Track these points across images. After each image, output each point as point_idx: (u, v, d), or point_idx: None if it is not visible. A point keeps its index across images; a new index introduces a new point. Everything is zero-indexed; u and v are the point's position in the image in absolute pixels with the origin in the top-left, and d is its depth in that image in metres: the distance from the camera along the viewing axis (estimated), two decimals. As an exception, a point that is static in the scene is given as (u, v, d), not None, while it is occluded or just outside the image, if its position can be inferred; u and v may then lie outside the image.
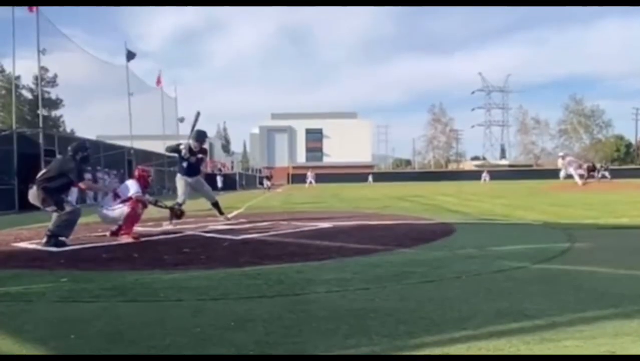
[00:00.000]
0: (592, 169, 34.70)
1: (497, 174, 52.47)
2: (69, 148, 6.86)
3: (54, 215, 6.56)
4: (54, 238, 6.38)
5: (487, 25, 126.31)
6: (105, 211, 7.24)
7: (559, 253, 5.13)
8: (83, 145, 7.01)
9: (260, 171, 61.41)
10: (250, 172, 62.02)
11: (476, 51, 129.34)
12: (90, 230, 8.33)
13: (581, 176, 24.71)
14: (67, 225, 6.56)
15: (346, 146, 75.79)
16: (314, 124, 78.60)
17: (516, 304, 3.20)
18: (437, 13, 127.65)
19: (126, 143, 27.40)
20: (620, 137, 78.53)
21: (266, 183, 39.31)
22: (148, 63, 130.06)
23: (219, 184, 38.00)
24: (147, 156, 30.41)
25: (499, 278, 4.06)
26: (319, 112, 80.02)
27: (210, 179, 38.39)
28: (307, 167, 53.68)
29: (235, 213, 11.92)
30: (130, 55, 26.79)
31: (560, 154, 31.47)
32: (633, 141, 76.79)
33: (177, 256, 5.43)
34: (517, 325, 2.79)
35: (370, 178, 57.13)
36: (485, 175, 53.06)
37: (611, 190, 19.29)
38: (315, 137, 79.88)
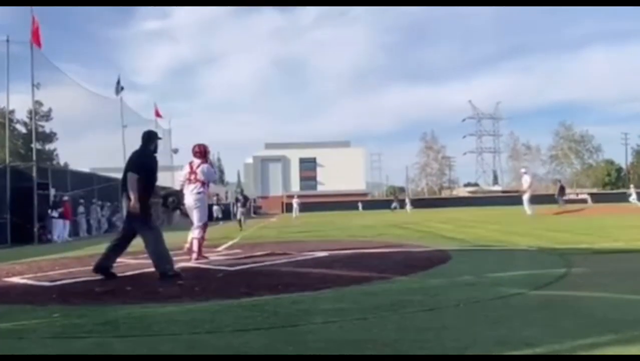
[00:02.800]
0: (562, 191, 33.57)
1: (490, 200, 52.34)
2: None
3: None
4: (166, 278, 5.86)
5: (477, 54, 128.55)
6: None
7: (556, 278, 5.10)
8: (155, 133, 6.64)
9: (255, 200, 61.28)
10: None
11: (466, 79, 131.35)
12: (82, 264, 8.23)
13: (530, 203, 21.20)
14: (160, 257, 6.05)
15: (340, 175, 75.96)
16: (307, 153, 78.94)
17: (516, 332, 3.16)
18: (428, 43, 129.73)
19: (120, 175, 27.36)
20: (611, 162, 79.26)
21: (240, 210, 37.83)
22: (143, 96, 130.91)
23: (216, 214, 37.83)
24: (140, 188, 30.36)
25: (497, 305, 4.03)
26: (312, 141, 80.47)
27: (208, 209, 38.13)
28: (302, 197, 53.48)
29: (230, 243, 11.84)
30: (119, 89, 26.97)
31: (522, 170, 27.50)
32: (623, 166, 77.45)
33: (171, 289, 5.36)
34: (518, 353, 2.75)
35: (360, 206, 56.88)
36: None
37: (605, 214, 19.35)
38: (309, 166, 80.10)
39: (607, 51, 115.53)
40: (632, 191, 35.30)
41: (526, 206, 20.88)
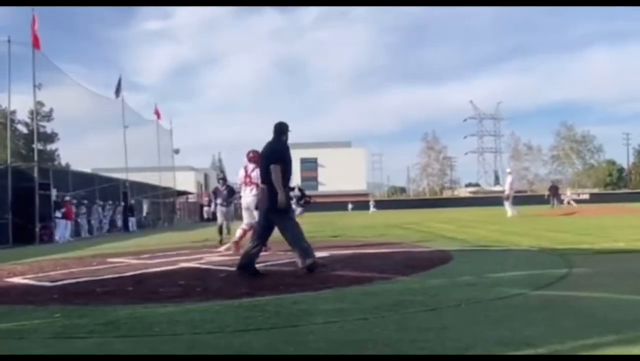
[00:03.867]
0: (555, 191, 33.00)
1: (492, 201, 52.11)
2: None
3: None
4: (309, 268, 6.01)
5: (478, 55, 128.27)
6: None
7: (557, 278, 5.10)
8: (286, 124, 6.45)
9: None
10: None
11: (467, 80, 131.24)
12: (83, 264, 8.24)
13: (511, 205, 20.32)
14: (302, 248, 6.12)
15: (341, 175, 75.92)
16: (308, 153, 78.91)
17: (517, 332, 3.15)
18: (428, 43, 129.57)
19: (121, 175, 27.39)
20: (612, 162, 79.15)
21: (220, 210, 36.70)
22: (144, 96, 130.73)
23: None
24: (142, 188, 30.40)
25: (498, 305, 4.02)
26: (313, 142, 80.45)
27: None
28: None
29: (230, 244, 11.83)
30: (118, 90, 26.99)
31: (508, 170, 25.68)
32: (625, 166, 77.36)
33: (172, 289, 5.36)
34: (519, 353, 2.75)
35: (349, 206, 55.98)
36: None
37: (605, 214, 19.33)
38: (310, 166, 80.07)
39: (608, 51, 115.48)
40: None
41: (507, 207, 20.41)
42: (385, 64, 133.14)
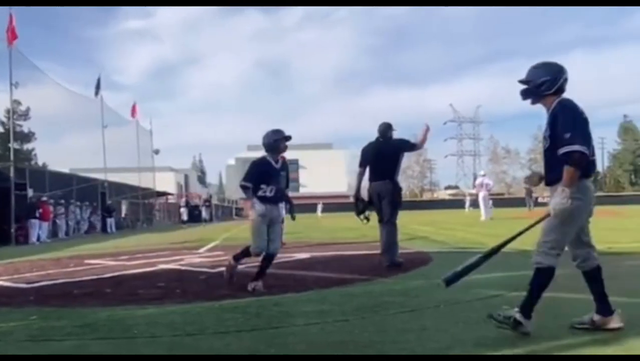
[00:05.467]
0: (530, 193, 34.23)
1: (471, 203, 52.48)
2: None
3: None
4: (394, 265, 6.33)
5: (461, 58, 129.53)
6: None
7: (534, 280, 5.17)
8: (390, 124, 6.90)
9: (236, 202, 61.01)
10: (226, 203, 61.58)
11: (449, 83, 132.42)
12: (60, 265, 8.12)
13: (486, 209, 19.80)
14: (390, 248, 6.57)
15: (322, 177, 75.99)
16: (290, 155, 77.20)
17: (495, 332, 3.20)
18: (411, 47, 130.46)
19: (100, 176, 27.01)
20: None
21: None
22: (125, 96, 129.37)
23: (204, 215, 37.75)
24: (121, 189, 30.04)
25: (476, 306, 4.08)
26: (295, 143, 79.97)
27: (195, 210, 37.99)
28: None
29: (211, 244, 11.78)
30: (98, 89, 26.60)
31: (482, 172, 24.29)
32: (600, 169, 78.92)
33: (152, 291, 5.32)
34: (497, 354, 2.79)
35: (319, 208, 51.64)
36: (468, 202, 45.00)
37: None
38: (291, 168, 79.60)
39: (586, 57, 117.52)
40: None
41: (482, 212, 20.16)
42: (368, 66, 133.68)
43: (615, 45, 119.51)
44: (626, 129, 77.03)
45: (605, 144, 77.68)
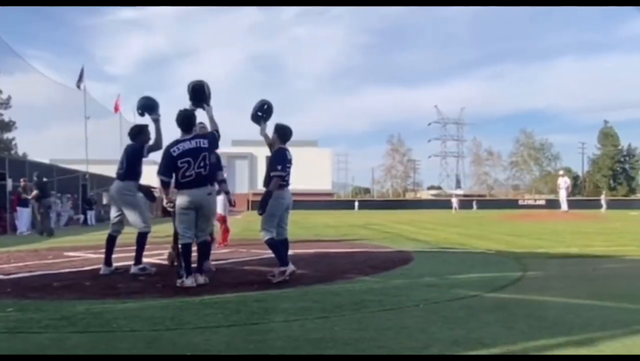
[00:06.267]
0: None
1: (447, 204, 52.79)
2: None
3: None
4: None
5: (451, 60, 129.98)
6: None
7: (511, 281, 5.26)
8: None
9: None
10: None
11: (438, 84, 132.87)
12: (39, 257, 8.01)
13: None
14: None
15: (306, 174, 75.91)
16: (274, 151, 78.62)
17: (472, 332, 3.25)
18: (405, 47, 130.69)
19: (81, 167, 26.68)
20: (568, 170, 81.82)
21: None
22: (114, 87, 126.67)
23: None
24: (103, 181, 29.69)
25: (455, 306, 4.13)
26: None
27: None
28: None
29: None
30: (80, 80, 26.17)
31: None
32: (580, 174, 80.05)
33: (132, 284, 5.28)
34: (473, 353, 2.84)
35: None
36: (455, 203, 46.34)
37: (563, 220, 19.99)
38: (275, 164, 79.76)
39: (574, 64, 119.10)
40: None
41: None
42: (360, 65, 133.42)
43: (602, 53, 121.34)
44: (606, 134, 78.31)
45: (585, 148, 78.97)
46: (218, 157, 6.17)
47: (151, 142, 6.35)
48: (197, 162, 5.18)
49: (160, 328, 3.45)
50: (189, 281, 5.03)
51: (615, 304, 4.19)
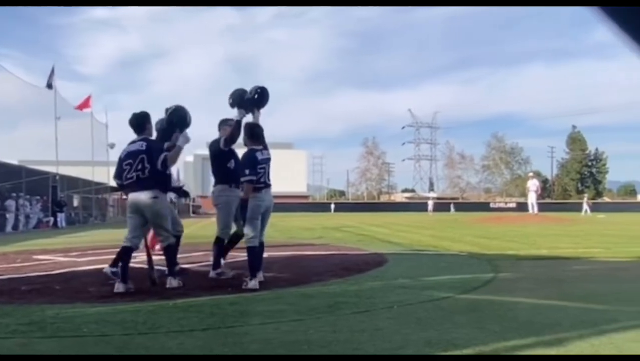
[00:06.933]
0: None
1: (426, 206, 53.46)
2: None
3: None
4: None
5: (425, 65, 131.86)
6: None
7: (483, 283, 5.34)
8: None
9: (193, 199, 60.08)
10: (183, 201, 60.58)
11: (410, 89, 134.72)
12: (7, 260, 7.81)
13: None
14: None
15: (282, 176, 75.73)
16: (249, 153, 78.21)
17: (445, 333, 3.30)
18: (380, 51, 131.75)
19: (51, 169, 26.09)
20: (538, 174, 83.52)
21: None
22: (86, 87, 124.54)
23: None
24: (73, 182, 29.11)
25: (428, 307, 4.18)
26: (255, 141, 79.74)
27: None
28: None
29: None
30: (51, 82, 25.58)
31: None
32: (549, 177, 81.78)
33: (103, 288, 5.19)
34: (446, 354, 2.88)
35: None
36: (430, 206, 46.98)
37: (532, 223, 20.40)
38: (250, 166, 79.35)
39: (544, 70, 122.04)
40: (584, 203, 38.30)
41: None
42: (336, 68, 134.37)
43: (570, 59, 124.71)
44: (574, 139, 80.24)
45: (555, 152, 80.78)
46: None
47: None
48: (135, 165, 5.09)
49: (132, 333, 3.40)
50: (121, 287, 4.95)
51: (583, 305, 4.30)
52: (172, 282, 5.13)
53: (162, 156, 5.15)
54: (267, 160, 5.48)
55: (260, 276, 5.31)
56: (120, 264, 5.08)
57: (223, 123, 6.07)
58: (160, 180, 5.19)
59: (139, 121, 5.34)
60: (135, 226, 5.18)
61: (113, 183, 6.40)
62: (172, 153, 5.35)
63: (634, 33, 0.49)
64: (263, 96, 5.79)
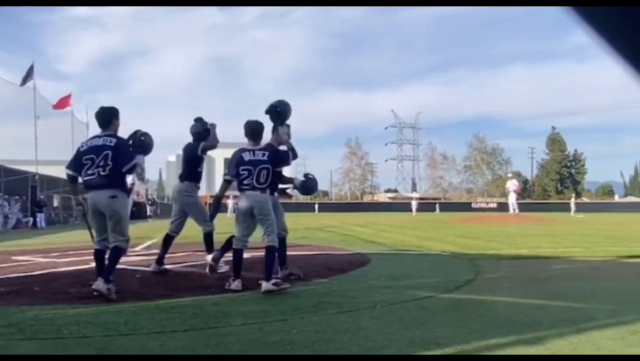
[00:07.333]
0: None
1: (409, 206, 53.69)
2: None
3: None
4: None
5: (408, 66, 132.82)
6: None
7: (465, 282, 5.40)
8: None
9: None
10: (166, 200, 60.06)
11: (393, 89, 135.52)
12: (-16, 262, 7.66)
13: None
14: None
15: (265, 177, 75.45)
16: (230, 153, 77.76)
17: (427, 333, 3.33)
18: (363, 51, 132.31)
19: (31, 168, 25.67)
20: (518, 174, 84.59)
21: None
22: (67, 86, 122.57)
23: (150, 212, 36.75)
24: (53, 182, 28.67)
25: (410, 307, 4.21)
26: (238, 142, 79.49)
27: (140, 207, 36.89)
28: (226, 196, 52.32)
29: (148, 243, 11.47)
30: (27, 78, 25.11)
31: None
32: (529, 178, 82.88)
33: (83, 290, 5.12)
34: (428, 353, 2.91)
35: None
36: (414, 206, 46.73)
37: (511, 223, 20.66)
38: (232, 166, 78.96)
39: (525, 71, 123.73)
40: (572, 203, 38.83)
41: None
42: (320, 68, 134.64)
43: (550, 61, 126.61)
44: (554, 140, 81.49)
45: (535, 153, 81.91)
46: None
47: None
48: (97, 161, 4.75)
49: (113, 334, 3.37)
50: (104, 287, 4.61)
51: (562, 303, 4.37)
52: (99, 284, 4.60)
53: (131, 162, 4.91)
54: (256, 162, 5.21)
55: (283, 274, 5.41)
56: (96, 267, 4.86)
57: (277, 128, 5.83)
58: (121, 180, 4.97)
59: (107, 116, 5.02)
60: (101, 228, 4.90)
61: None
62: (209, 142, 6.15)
63: (608, 35, 0.50)
64: (278, 114, 5.79)
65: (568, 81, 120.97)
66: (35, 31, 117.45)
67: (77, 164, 4.88)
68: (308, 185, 6.19)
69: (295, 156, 5.84)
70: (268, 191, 5.28)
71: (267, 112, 5.81)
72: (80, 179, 4.97)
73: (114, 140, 4.89)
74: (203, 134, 6.42)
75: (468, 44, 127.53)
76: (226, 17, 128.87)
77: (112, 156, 4.79)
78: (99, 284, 4.60)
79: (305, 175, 6.31)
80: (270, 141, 5.75)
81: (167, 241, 6.50)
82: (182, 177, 6.49)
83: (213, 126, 6.49)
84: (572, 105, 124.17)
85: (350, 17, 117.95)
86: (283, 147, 5.74)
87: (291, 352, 2.93)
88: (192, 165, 6.47)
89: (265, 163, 5.21)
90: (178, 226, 6.54)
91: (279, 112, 5.79)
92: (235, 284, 5.02)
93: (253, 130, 5.44)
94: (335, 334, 3.33)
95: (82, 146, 4.92)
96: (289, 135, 5.80)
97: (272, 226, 5.21)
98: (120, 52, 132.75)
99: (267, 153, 5.28)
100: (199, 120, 6.52)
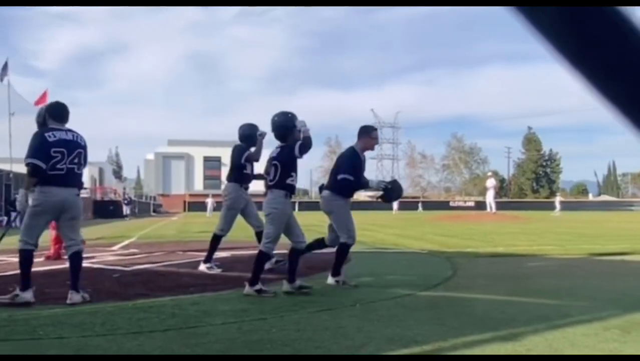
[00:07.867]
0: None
1: (388, 205, 53.87)
2: None
3: None
4: None
5: (387, 65, 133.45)
6: None
7: (443, 280, 5.46)
8: None
9: (154, 198, 58.98)
10: (144, 199, 59.40)
11: (373, 89, 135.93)
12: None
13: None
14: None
15: (245, 175, 75.13)
16: (212, 152, 77.15)
17: (406, 330, 3.35)
18: (343, 50, 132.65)
19: (5, 166, 25.11)
20: (496, 173, 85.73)
21: None
22: (42, 82, 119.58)
23: (127, 211, 36.24)
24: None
25: (389, 305, 4.24)
26: (218, 140, 79.02)
27: (117, 206, 36.38)
28: (205, 195, 51.83)
29: (126, 242, 11.33)
30: (4, 75, 24.49)
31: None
32: (506, 177, 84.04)
33: (60, 290, 5.02)
34: (407, 351, 2.93)
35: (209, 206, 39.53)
36: (395, 205, 48.62)
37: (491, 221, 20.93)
38: (213, 165, 78.31)
39: (502, 71, 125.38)
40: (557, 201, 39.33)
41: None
42: (299, 67, 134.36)
43: (525, 62, 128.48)
44: (530, 140, 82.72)
45: (511, 153, 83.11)
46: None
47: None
48: (70, 157, 4.48)
49: (90, 334, 3.33)
50: (27, 295, 4.26)
51: (538, 300, 4.45)
52: (74, 297, 4.35)
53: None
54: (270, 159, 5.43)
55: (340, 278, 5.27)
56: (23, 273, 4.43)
57: (365, 133, 5.85)
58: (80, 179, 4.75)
59: (64, 111, 4.82)
60: (41, 229, 4.62)
61: None
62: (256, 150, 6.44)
63: (551, 35, 0.50)
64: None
65: (544, 81, 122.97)
66: (9, 26, 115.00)
67: (46, 156, 4.43)
68: (388, 195, 5.98)
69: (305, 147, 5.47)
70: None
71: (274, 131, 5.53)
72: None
73: (84, 139, 4.76)
74: (251, 139, 6.50)
75: (446, 44, 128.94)
76: (205, 14, 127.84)
77: (84, 155, 4.70)
78: (74, 297, 4.33)
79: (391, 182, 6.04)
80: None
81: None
82: (229, 178, 6.77)
83: (262, 135, 6.24)
84: (548, 105, 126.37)
85: (330, 16, 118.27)
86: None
87: (271, 351, 2.93)
88: (237, 168, 6.68)
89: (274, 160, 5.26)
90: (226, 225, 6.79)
91: (278, 125, 5.51)
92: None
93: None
94: (315, 332, 3.34)
95: (50, 136, 4.50)
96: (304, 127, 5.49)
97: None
98: (97, 48, 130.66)
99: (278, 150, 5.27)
100: (253, 126, 6.53)
